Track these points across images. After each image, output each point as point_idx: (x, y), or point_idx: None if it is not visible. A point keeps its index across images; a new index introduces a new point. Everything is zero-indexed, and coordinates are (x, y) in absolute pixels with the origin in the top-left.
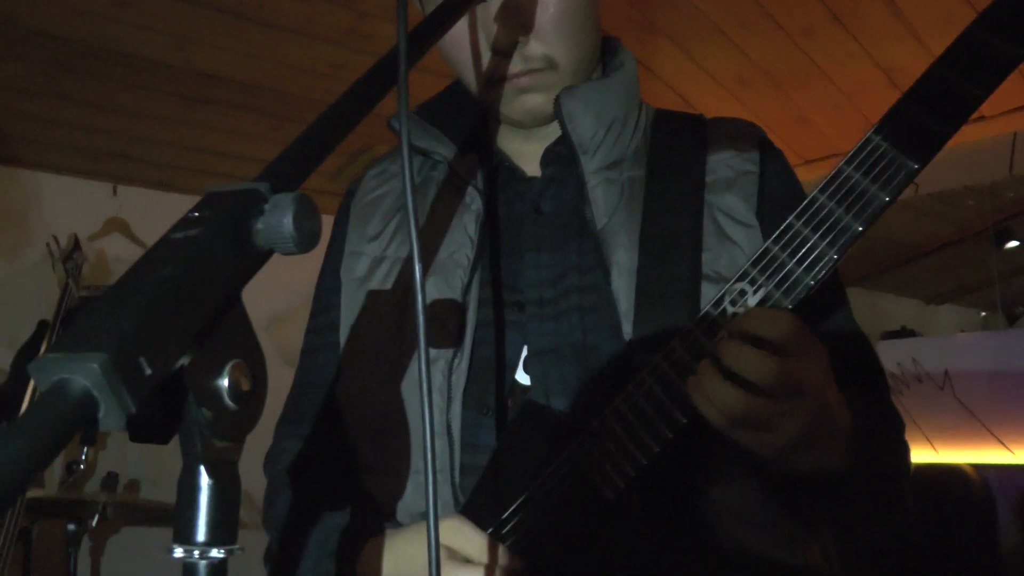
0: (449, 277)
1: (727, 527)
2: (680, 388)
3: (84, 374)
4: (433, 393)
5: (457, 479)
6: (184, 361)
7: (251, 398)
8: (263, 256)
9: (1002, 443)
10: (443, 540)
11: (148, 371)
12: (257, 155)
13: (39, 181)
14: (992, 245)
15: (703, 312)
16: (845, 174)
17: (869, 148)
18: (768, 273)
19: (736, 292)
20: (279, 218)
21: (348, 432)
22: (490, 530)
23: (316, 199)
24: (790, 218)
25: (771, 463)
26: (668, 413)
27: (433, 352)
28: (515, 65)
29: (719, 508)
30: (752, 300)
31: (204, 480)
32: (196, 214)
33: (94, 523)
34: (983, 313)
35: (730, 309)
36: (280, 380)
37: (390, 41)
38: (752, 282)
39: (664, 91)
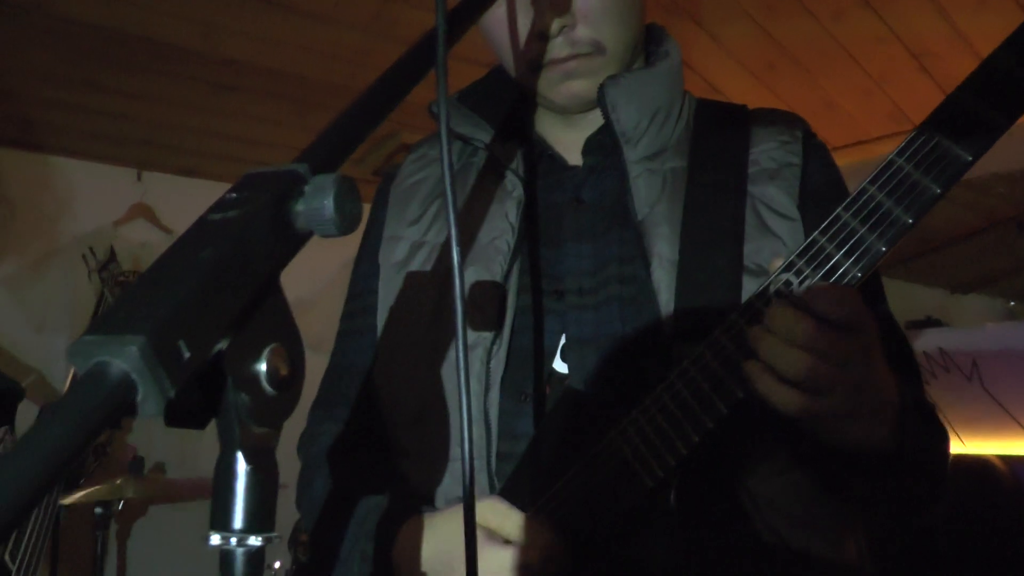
0: (489, 263)
1: (765, 519)
2: (723, 378)
3: (123, 357)
4: (471, 379)
5: (494, 466)
6: (223, 345)
7: (289, 383)
8: (303, 239)
9: None
10: (482, 520)
11: (187, 355)
12: (282, 141)
13: (65, 167)
14: (1020, 233)
15: (747, 302)
16: (896, 165)
17: (921, 140)
18: (815, 264)
19: (781, 283)
20: (320, 200)
21: (385, 417)
22: (528, 515)
23: None
24: (838, 209)
25: (823, 433)
26: (711, 403)
27: (472, 338)
28: (561, 49)
29: (758, 500)
30: (797, 291)
31: (242, 467)
32: (235, 195)
33: (120, 506)
34: (1012, 303)
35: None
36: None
37: (415, 27)
38: (798, 273)
39: (690, 76)
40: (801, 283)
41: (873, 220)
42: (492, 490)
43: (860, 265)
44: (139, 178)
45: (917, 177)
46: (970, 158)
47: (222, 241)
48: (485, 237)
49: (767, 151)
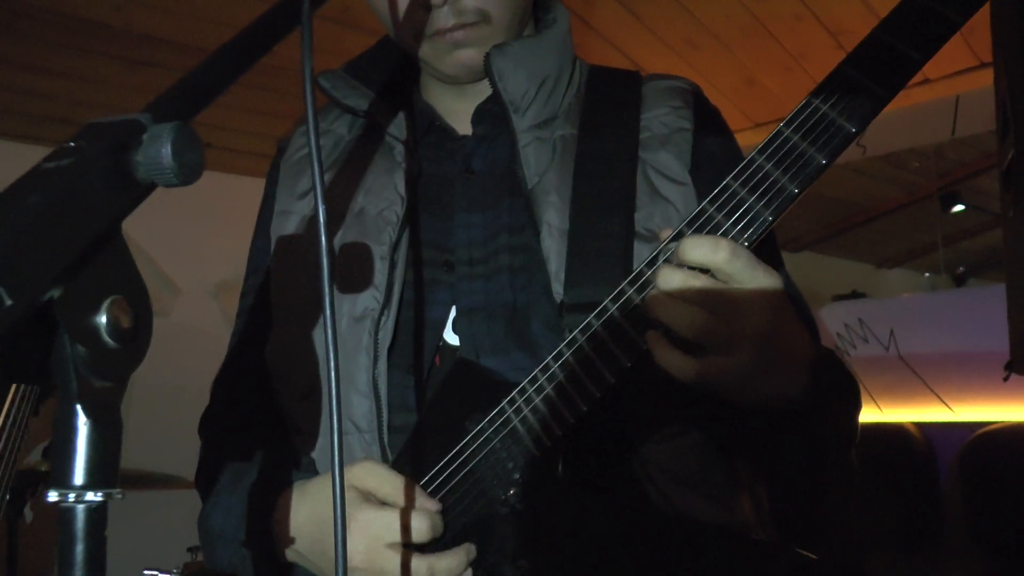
0: (378, 235)
1: (659, 485)
2: (611, 348)
3: None
4: (359, 353)
5: (386, 439)
6: (54, 294)
7: (133, 336)
8: (145, 189)
9: (943, 402)
10: (357, 482)
11: (9, 302)
12: (203, 119)
13: None
14: (939, 208)
15: (636, 271)
16: (784, 136)
17: (808, 111)
18: (704, 233)
19: (671, 252)
20: (158, 148)
21: (278, 393)
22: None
23: (264, 164)
24: (727, 179)
25: (732, 394)
26: (598, 372)
27: (360, 311)
28: (447, 19)
29: (651, 466)
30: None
31: (81, 420)
32: (72, 144)
33: (35, 493)
34: (927, 274)
35: None
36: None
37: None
38: None
39: (612, 53)
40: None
41: (761, 189)
42: (385, 462)
43: (748, 233)
44: None
45: (804, 147)
46: (854, 129)
47: (51, 188)
48: (373, 208)
49: (658, 116)
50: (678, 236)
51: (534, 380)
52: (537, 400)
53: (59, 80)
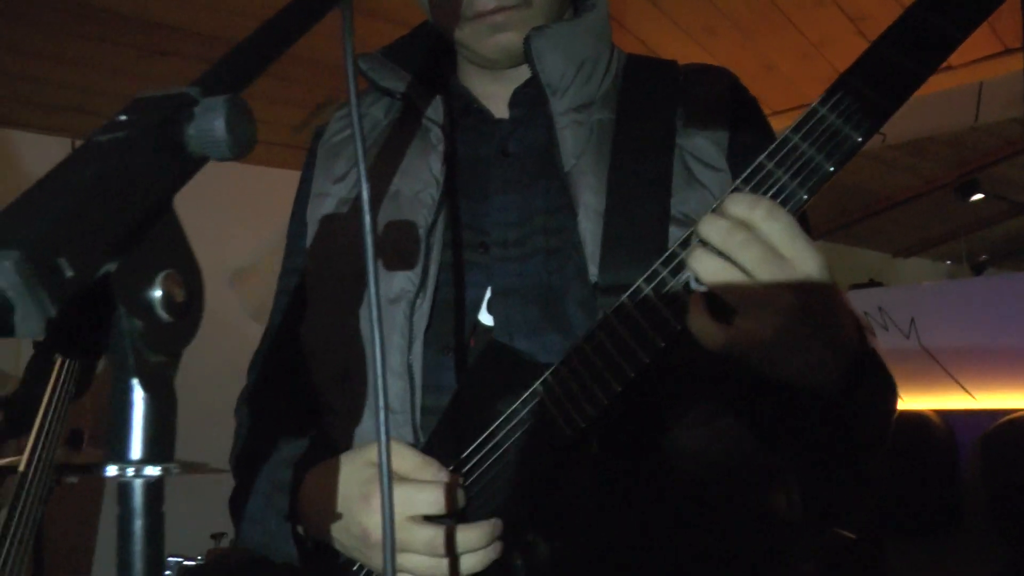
0: (413, 217)
1: (690, 471)
2: (644, 328)
3: None
4: (393, 333)
5: (418, 420)
6: (111, 267)
7: (186, 310)
8: (196, 162)
9: (964, 389)
10: (375, 459)
11: (69, 273)
12: None
13: None
14: (958, 197)
15: (669, 252)
16: (819, 115)
17: (843, 90)
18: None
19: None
20: (210, 121)
21: (313, 374)
22: (450, 468)
23: (278, 152)
24: (761, 158)
25: (757, 364)
26: (632, 352)
27: (395, 292)
28: (488, 1)
29: (683, 451)
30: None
31: (138, 394)
32: (123, 118)
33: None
34: (948, 262)
35: None
36: (247, 333)
37: None
38: None
39: (630, 41)
40: None
41: (795, 168)
42: (416, 444)
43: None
44: (73, 147)
45: (838, 126)
46: (891, 107)
47: (106, 160)
48: (409, 191)
49: (696, 103)
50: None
51: (568, 360)
52: (570, 380)
53: (74, 69)
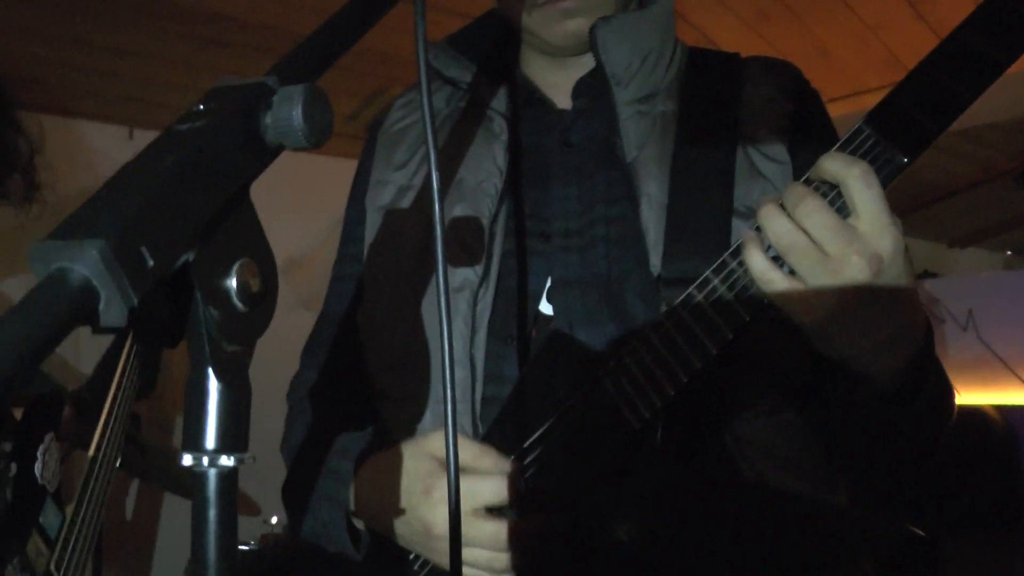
0: (477, 206)
1: (750, 461)
2: (712, 319)
3: (83, 262)
4: (457, 322)
5: (478, 410)
6: (189, 257)
7: (261, 299)
8: (273, 151)
9: None
10: (436, 452)
11: (151, 263)
12: None
13: (55, 126)
14: (1018, 186)
15: (737, 245)
16: (895, 104)
17: (922, 78)
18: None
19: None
20: (288, 110)
21: (368, 360)
22: (512, 458)
23: (331, 142)
24: (833, 150)
25: (811, 331)
26: (699, 344)
27: (459, 281)
28: None
29: (745, 443)
30: None
31: (213, 384)
32: (202, 107)
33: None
34: (1008, 252)
35: (767, 241)
36: (297, 323)
37: None
38: None
39: (682, 26)
40: None
41: (868, 159)
42: (475, 434)
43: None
44: (131, 136)
45: (916, 116)
46: (970, 95)
47: (187, 150)
48: (473, 180)
49: (759, 96)
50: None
51: (633, 350)
52: (636, 370)
53: (130, 60)
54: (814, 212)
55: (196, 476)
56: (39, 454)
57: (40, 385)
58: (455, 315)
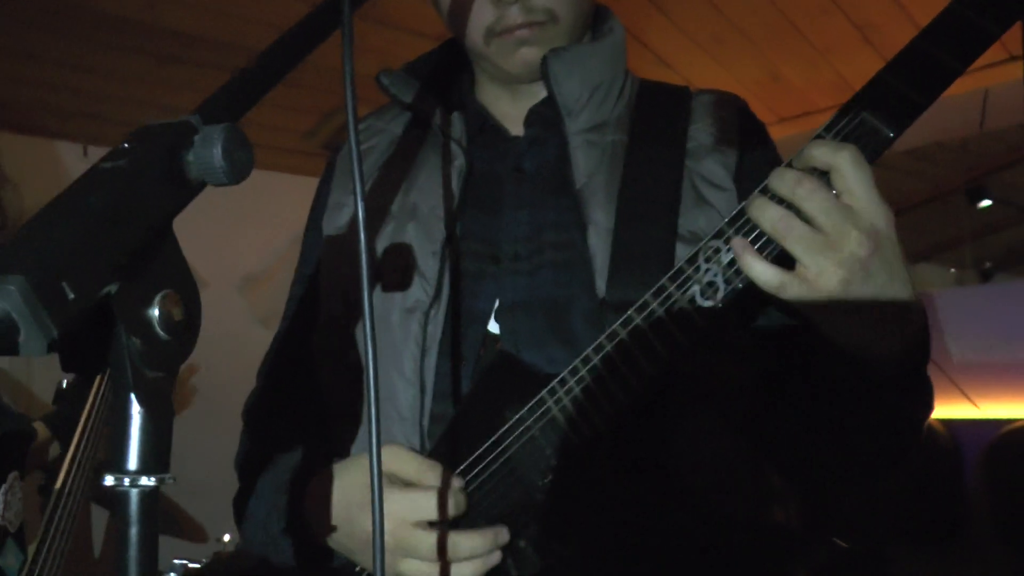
0: (429, 229)
1: (691, 483)
2: (651, 341)
3: (2, 297)
4: (408, 342)
5: (426, 426)
6: (111, 289)
7: (184, 328)
8: (195, 188)
9: (968, 398)
10: (384, 466)
11: (71, 296)
12: None
13: (7, 143)
14: (967, 202)
15: (677, 268)
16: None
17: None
18: (744, 231)
19: (711, 250)
20: (209, 149)
21: (322, 380)
22: (455, 474)
23: (289, 159)
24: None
25: (822, 318)
26: (637, 365)
27: (410, 302)
28: (517, 16)
29: (684, 464)
30: (726, 257)
31: (135, 409)
32: (127, 146)
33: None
34: (952, 270)
35: (704, 266)
36: (255, 339)
37: None
38: (727, 240)
39: (640, 51)
40: (730, 249)
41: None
42: (423, 450)
43: None
44: (85, 153)
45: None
46: (892, 134)
47: (110, 188)
48: (426, 204)
49: (706, 126)
50: (719, 234)
51: (575, 371)
52: (577, 390)
53: (88, 76)
54: (814, 192)
55: (118, 496)
56: (0, 494)
57: (1, 422)
58: (407, 335)
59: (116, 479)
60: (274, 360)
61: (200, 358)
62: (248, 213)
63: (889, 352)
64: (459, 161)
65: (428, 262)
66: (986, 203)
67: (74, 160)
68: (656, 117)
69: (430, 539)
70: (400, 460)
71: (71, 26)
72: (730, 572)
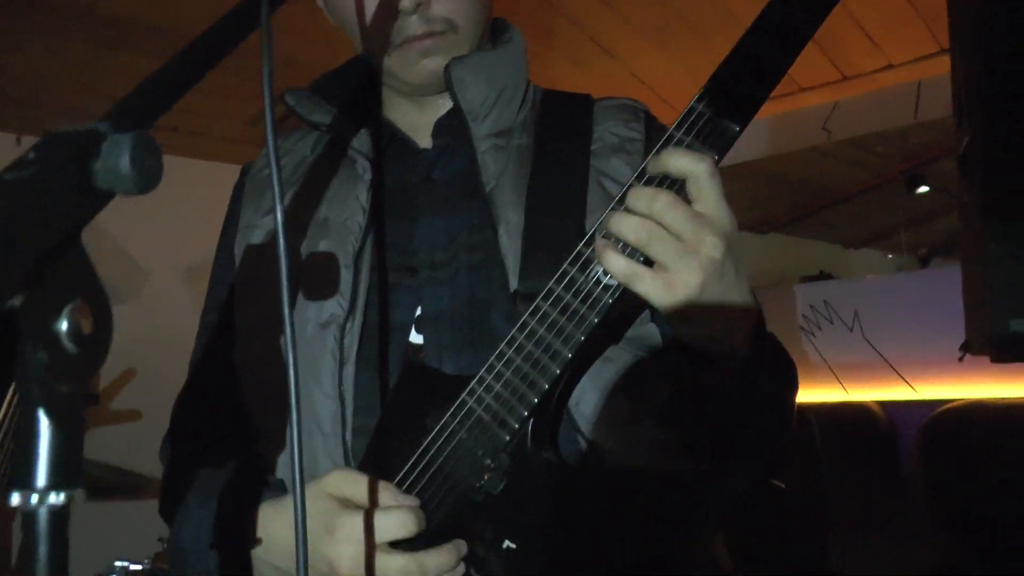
0: (341, 242)
1: (614, 473)
2: (560, 324)
3: None
4: (324, 356)
5: (349, 441)
6: (16, 302)
7: (93, 341)
8: (104, 197)
9: (905, 381)
10: (334, 490)
11: None
12: None
13: None
14: (905, 189)
15: (575, 252)
16: (697, 111)
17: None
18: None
19: (603, 233)
20: (116, 158)
21: (244, 401)
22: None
23: (232, 148)
24: (648, 159)
25: (675, 316)
26: (552, 350)
27: (326, 316)
28: (417, 26)
29: (605, 452)
30: None
31: (44, 423)
32: (32, 155)
33: None
34: (890, 256)
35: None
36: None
37: None
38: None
39: (583, 41)
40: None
41: (705, 133)
42: (348, 464)
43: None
44: (18, 142)
45: (717, 120)
46: (738, 128)
47: (13, 199)
48: (337, 219)
49: (610, 128)
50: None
51: (491, 368)
52: (497, 386)
53: (23, 61)
54: (670, 207)
55: (26, 516)
56: None
57: None
58: (323, 349)
59: (23, 496)
60: (193, 392)
61: (145, 347)
62: (190, 205)
63: (740, 343)
64: (368, 175)
65: (342, 275)
66: (923, 189)
67: (6, 150)
68: (561, 121)
69: (401, 560)
70: (351, 484)
71: (4, 9)
72: (656, 528)
